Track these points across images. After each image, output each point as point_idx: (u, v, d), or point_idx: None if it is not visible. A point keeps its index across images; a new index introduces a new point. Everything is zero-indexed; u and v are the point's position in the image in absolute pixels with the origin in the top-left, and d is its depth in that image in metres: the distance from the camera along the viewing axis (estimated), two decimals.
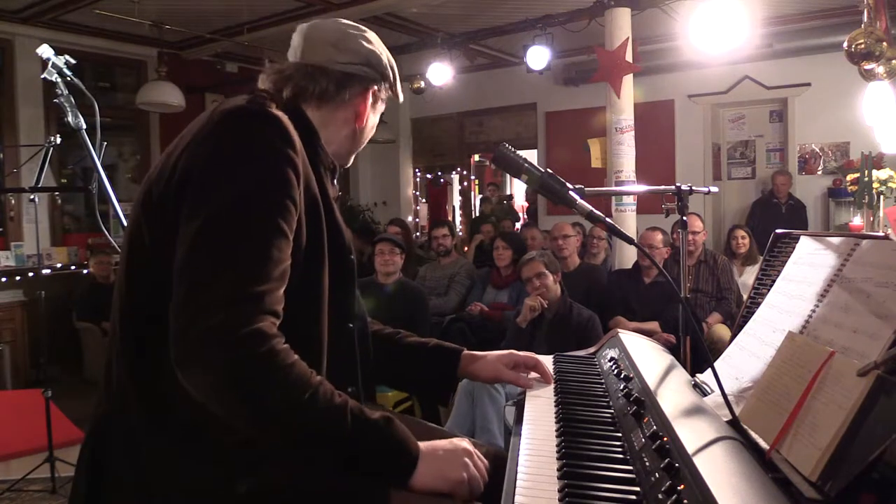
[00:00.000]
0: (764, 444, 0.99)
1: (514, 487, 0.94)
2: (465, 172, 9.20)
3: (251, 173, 1.03)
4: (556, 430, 1.15)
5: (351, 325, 1.25)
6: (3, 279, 5.73)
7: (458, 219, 9.68)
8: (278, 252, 1.02)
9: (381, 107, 1.34)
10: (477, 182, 9.72)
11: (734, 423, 1.08)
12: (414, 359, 1.46)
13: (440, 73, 6.54)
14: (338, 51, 1.25)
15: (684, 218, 2.30)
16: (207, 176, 1.03)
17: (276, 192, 1.03)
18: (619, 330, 1.71)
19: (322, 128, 1.24)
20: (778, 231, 1.49)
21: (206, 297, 0.96)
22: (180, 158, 1.07)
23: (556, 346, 3.19)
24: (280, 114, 1.10)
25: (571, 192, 1.40)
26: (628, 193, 5.06)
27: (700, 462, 0.90)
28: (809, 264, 1.26)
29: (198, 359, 0.95)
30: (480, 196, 9.58)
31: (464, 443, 1.14)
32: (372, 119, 1.33)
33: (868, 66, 3.57)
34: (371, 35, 1.31)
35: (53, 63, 2.36)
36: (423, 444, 1.09)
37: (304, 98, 1.23)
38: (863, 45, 3.43)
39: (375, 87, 1.30)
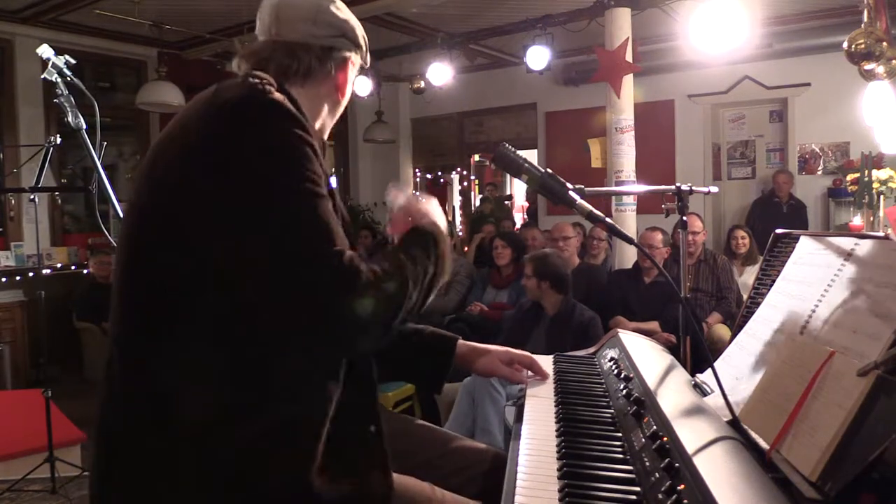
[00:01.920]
0: (764, 444, 0.99)
1: (514, 487, 0.94)
2: (465, 172, 9.20)
3: (284, 163, 1.04)
4: (556, 430, 1.15)
5: None
6: (3, 279, 5.73)
7: (458, 219, 9.68)
8: (333, 219, 1.06)
9: (354, 75, 1.34)
10: (477, 182, 9.72)
11: (734, 423, 1.08)
12: (410, 344, 1.45)
13: (440, 73, 6.53)
14: (315, 25, 1.24)
15: (684, 218, 2.30)
16: (244, 178, 1.02)
17: (310, 172, 1.05)
18: (619, 330, 1.71)
19: (307, 105, 1.21)
20: (778, 231, 1.49)
21: (314, 276, 1.00)
22: (191, 157, 1.05)
23: (554, 344, 3.23)
24: (282, 97, 1.09)
25: (571, 192, 1.40)
26: (628, 193, 5.07)
27: (700, 462, 0.90)
28: (809, 264, 1.26)
29: (346, 321, 1.01)
30: (480, 196, 9.58)
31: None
32: (349, 88, 1.33)
33: (868, 66, 3.56)
34: (339, 3, 1.30)
35: (53, 63, 2.36)
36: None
37: (287, 77, 1.21)
38: (863, 45, 3.43)
39: (353, 57, 1.30)
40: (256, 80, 1.12)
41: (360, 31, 1.31)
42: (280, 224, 1.02)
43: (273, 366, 1.05)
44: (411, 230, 1.24)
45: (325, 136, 1.35)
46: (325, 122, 1.32)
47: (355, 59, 1.32)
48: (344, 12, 1.29)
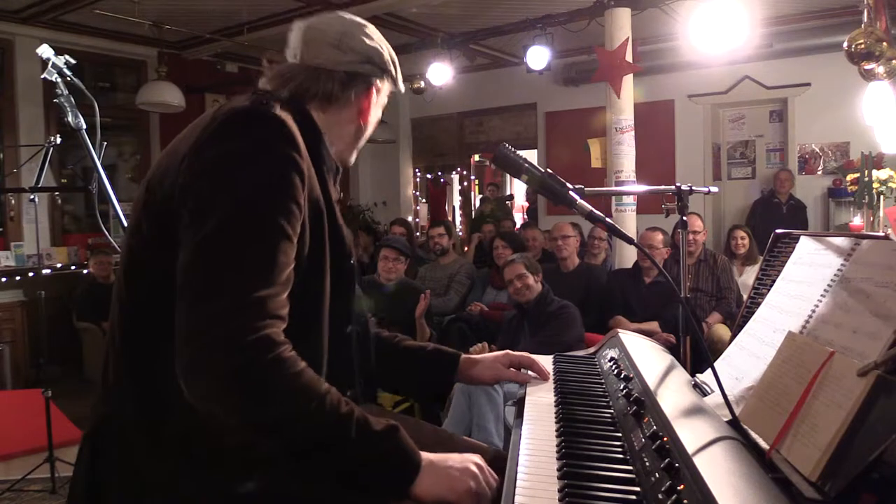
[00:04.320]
0: (764, 444, 0.99)
1: (514, 487, 0.94)
2: (465, 172, 9.20)
3: (254, 177, 1.02)
4: (556, 430, 1.15)
5: (350, 329, 1.25)
6: (3, 279, 5.73)
7: (458, 219, 9.68)
8: (283, 256, 1.01)
9: (383, 101, 1.33)
10: (477, 182, 9.72)
11: (734, 423, 1.08)
12: (412, 363, 1.46)
13: (440, 73, 6.53)
14: (340, 51, 1.23)
15: (684, 218, 2.30)
16: (210, 180, 1.02)
17: (280, 196, 1.02)
18: (619, 330, 1.71)
19: (327, 128, 1.22)
20: (778, 231, 1.49)
21: (211, 304, 0.95)
22: (184, 161, 1.06)
23: (537, 329, 3.53)
24: (284, 115, 1.09)
25: (571, 192, 1.40)
26: (628, 193, 5.07)
27: (700, 462, 0.90)
28: (809, 264, 1.26)
29: (203, 366, 0.94)
30: (480, 196, 9.58)
31: (476, 457, 1.13)
32: (374, 115, 1.32)
33: (868, 66, 3.56)
34: (371, 29, 1.29)
35: (53, 63, 2.36)
36: (432, 456, 1.08)
37: (307, 99, 1.21)
38: (863, 45, 3.43)
39: (378, 83, 1.29)
40: (260, 95, 1.13)
41: (388, 57, 1.29)
42: (227, 243, 0.98)
43: None
44: (399, 431, 1.05)
45: (348, 162, 1.33)
46: (346, 145, 1.29)
47: (382, 86, 1.30)
48: (374, 39, 1.27)
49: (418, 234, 8.87)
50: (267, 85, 1.24)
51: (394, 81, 1.32)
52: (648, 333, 3.29)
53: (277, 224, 1.01)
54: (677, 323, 2.67)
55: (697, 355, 2.33)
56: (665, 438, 0.99)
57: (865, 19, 3.49)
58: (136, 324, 1.09)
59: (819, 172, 6.80)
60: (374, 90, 1.28)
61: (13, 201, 6.03)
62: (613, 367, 1.44)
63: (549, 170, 1.42)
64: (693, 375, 1.41)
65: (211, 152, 1.05)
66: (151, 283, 1.06)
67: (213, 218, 0.99)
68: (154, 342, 1.05)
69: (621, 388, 1.28)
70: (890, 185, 4.76)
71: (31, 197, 3.14)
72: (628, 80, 5.11)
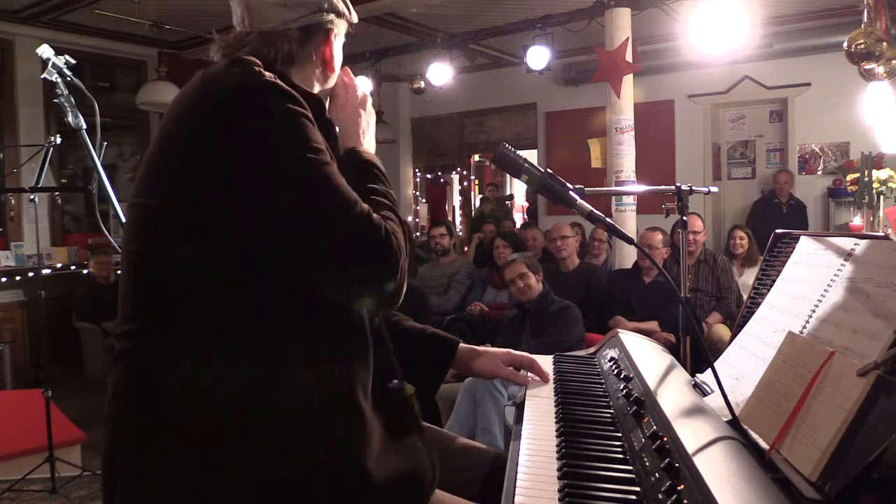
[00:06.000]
0: (764, 444, 0.99)
1: (514, 487, 0.94)
2: (465, 172, 9.20)
3: (290, 144, 1.04)
4: (556, 430, 1.15)
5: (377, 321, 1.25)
6: (3, 279, 5.73)
7: (458, 219, 9.67)
8: (342, 179, 1.09)
9: (341, 41, 1.29)
10: (477, 182, 9.72)
11: (734, 423, 1.08)
12: (410, 342, 1.45)
13: (440, 73, 6.53)
14: (287, 8, 1.18)
15: (684, 218, 2.30)
16: (256, 161, 1.02)
17: (313, 143, 1.06)
18: (619, 330, 1.71)
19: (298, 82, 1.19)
20: (778, 231, 1.49)
21: (337, 235, 1.03)
22: (189, 152, 1.05)
23: (538, 329, 3.54)
24: (273, 76, 1.08)
25: (571, 193, 1.40)
26: (628, 193, 5.07)
27: (700, 462, 0.90)
28: (809, 264, 1.26)
29: (367, 250, 1.05)
30: (480, 196, 9.58)
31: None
32: (338, 59, 1.29)
33: (868, 66, 3.56)
34: None
35: (53, 63, 2.36)
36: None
37: (269, 64, 1.17)
38: (863, 45, 3.43)
39: (335, 27, 1.24)
40: (245, 66, 1.10)
41: None
42: (300, 197, 1.03)
43: (307, 335, 1.07)
44: (355, 159, 1.33)
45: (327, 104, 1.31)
46: (321, 92, 1.27)
47: (339, 26, 1.25)
48: None
49: (418, 234, 8.87)
50: (216, 55, 1.22)
51: (348, 18, 1.27)
52: (648, 333, 3.30)
53: (330, 168, 1.07)
54: (677, 323, 2.67)
55: (697, 355, 2.33)
56: (665, 438, 0.99)
57: (865, 19, 3.49)
58: (142, 322, 1.07)
59: (819, 172, 6.80)
60: (333, 35, 1.24)
61: (13, 201, 6.03)
62: (613, 367, 1.44)
63: (549, 170, 1.42)
64: (693, 375, 1.41)
65: (233, 136, 1.03)
66: (156, 282, 1.05)
67: (283, 192, 1.02)
68: (158, 341, 1.04)
69: (621, 388, 1.28)
70: (890, 185, 4.76)
71: (31, 197, 3.14)
72: (628, 80, 5.11)
